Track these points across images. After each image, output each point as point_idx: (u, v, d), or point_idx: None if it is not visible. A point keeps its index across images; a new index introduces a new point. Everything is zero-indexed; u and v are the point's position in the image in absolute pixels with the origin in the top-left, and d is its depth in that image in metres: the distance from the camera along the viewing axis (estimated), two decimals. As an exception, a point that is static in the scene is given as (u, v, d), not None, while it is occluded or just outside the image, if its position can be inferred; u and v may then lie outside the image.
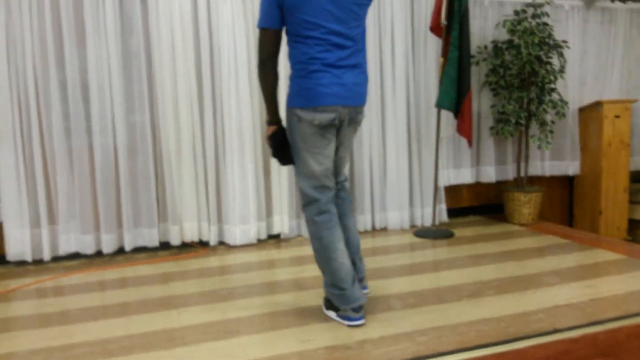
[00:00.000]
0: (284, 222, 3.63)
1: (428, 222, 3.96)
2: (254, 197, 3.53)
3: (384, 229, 3.92)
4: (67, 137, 3.22)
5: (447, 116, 3.93)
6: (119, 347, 2.10)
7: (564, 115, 4.05)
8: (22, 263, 3.23)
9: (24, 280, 2.97)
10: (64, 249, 3.26)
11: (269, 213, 3.66)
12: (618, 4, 4.47)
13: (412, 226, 3.98)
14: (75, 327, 2.32)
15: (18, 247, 3.16)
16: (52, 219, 3.25)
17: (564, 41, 3.97)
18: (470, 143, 3.90)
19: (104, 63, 3.24)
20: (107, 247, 3.32)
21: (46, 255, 3.23)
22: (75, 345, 2.13)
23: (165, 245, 3.48)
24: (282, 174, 3.60)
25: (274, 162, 3.59)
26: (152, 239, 3.41)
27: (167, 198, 3.42)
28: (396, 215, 3.90)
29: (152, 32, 3.31)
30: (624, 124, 4.23)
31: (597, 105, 4.24)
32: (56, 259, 3.29)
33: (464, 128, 3.80)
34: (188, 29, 3.35)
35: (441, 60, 3.73)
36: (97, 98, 3.24)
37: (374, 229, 3.92)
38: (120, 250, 3.39)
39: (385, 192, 3.89)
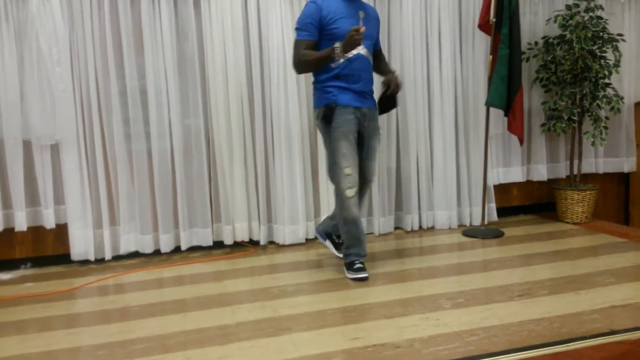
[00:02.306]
0: (331, 222, 3.68)
1: (477, 222, 3.92)
2: (302, 198, 3.60)
3: (431, 229, 3.92)
4: (127, 141, 3.39)
5: (496, 114, 3.88)
6: (175, 342, 2.19)
7: (618, 110, 3.92)
8: (85, 262, 3.41)
9: (87, 278, 3.13)
10: (124, 248, 3.43)
11: (316, 213, 3.72)
12: (677, -6, 4.28)
13: (461, 225, 3.95)
14: (135, 323, 2.43)
15: (82, 247, 3.34)
16: (113, 220, 3.43)
17: (620, 34, 3.84)
18: (521, 141, 3.84)
19: (161, 69, 3.38)
20: (165, 247, 3.47)
21: (107, 255, 3.40)
22: (135, 341, 2.22)
23: (218, 245, 3.60)
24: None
25: (322, 165, 3.65)
26: (206, 238, 3.54)
27: (220, 199, 3.54)
28: (444, 214, 3.88)
29: (206, 38, 3.43)
30: (682, 119, 4.06)
31: (655, 99, 4.08)
32: (117, 257, 3.46)
33: (516, 126, 3.74)
34: (239, 35, 3.46)
35: (490, 57, 3.68)
36: (155, 103, 3.38)
37: (420, 228, 3.92)
38: (177, 250, 3.53)
39: (432, 190, 3.88)
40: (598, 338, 2.05)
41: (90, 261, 3.40)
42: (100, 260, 3.43)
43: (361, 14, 2.85)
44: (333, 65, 2.78)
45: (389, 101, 2.97)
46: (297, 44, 2.82)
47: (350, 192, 2.77)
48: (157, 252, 3.50)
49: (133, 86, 3.36)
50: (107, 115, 3.34)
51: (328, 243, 3.21)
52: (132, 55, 3.35)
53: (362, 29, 2.59)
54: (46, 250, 3.41)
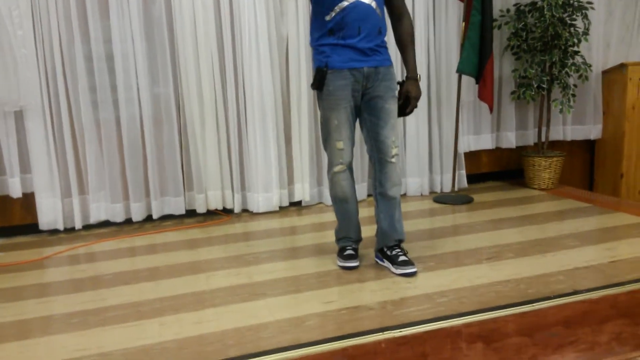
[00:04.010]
0: (305, 189, 3.69)
1: (448, 188, 3.99)
2: (276, 165, 3.59)
3: (403, 196, 3.96)
4: (94, 108, 3.30)
5: (468, 82, 3.91)
6: (150, 309, 2.19)
7: (587, 78, 3.99)
8: (54, 232, 3.35)
9: (57, 247, 3.09)
10: (94, 217, 3.37)
11: (290, 181, 3.72)
12: (646, -37, 4.33)
13: (432, 192, 4.01)
14: (108, 291, 2.42)
15: (50, 216, 3.28)
16: (82, 189, 3.36)
17: (589, 2, 3.87)
18: (491, 109, 3.88)
19: (127, 33, 3.28)
20: (136, 215, 3.43)
21: (77, 224, 3.35)
22: (109, 308, 2.22)
23: (191, 213, 3.58)
24: (303, 143, 3.64)
25: (295, 132, 3.63)
26: (178, 207, 3.51)
27: (192, 167, 3.50)
28: (416, 182, 3.93)
29: (174, 2, 3.32)
30: (648, 87, 4.15)
31: (622, 67, 4.16)
32: (87, 227, 3.41)
33: (486, 93, 3.78)
34: (208, -3, 3.36)
35: (463, 24, 3.68)
36: (122, 69, 3.29)
37: (393, 195, 3.96)
38: (149, 218, 3.50)
39: (404, 158, 3.91)
40: (562, 298, 2.14)
41: (59, 230, 3.34)
42: (70, 230, 3.37)
43: None
44: (327, 18, 2.35)
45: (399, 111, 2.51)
46: None
47: (339, 167, 2.46)
48: (128, 221, 3.46)
49: (99, 51, 3.25)
50: (73, 81, 3.23)
51: (386, 263, 2.56)
52: (97, 19, 3.23)
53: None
54: (13, 220, 3.34)
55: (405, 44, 2.51)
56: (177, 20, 3.35)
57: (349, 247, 2.63)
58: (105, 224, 3.43)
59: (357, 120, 2.51)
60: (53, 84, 3.21)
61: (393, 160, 2.44)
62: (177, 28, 3.36)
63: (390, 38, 2.57)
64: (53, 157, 3.25)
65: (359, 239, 2.67)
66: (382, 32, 2.43)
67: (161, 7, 3.32)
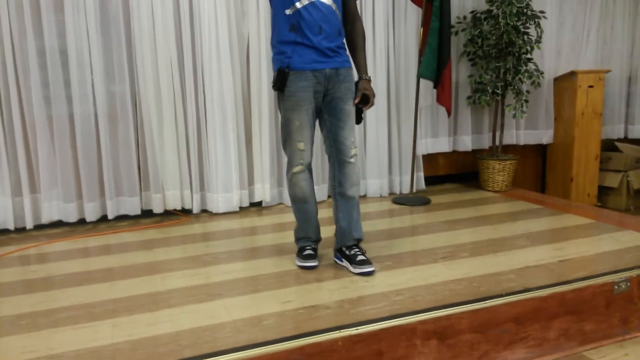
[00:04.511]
0: (265, 190, 3.69)
1: (406, 190, 4.06)
2: (236, 165, 3.56)
3: (363, 197, 4.01)
4: (46, 105, 3.20)
5: (426, 86, 3.99)
6: (103, 310, 2.15)
7: (539, 85, 4.14)
8: (4, 231, 3.23)
9: (6, 248, 2.98)
10: (46, 217, 3.27)
11: (250, 181, 3.71)
12: (596, -26, 4.52)
13: (391, 194, 4.07)
14: (60, 292, 2.36)
15: (0, 215, 3.16)
16: (33, 188, 3.25)
17: (542, 11, 4.02)
18: (449, 112, 3.97)
19: (82, 28, 3.20)
20: (90, 216, 3.35)
21: (29, 224, 3.24)
22: (60, 310, 2.16)
23: (148, 214, 3.51)
24: (263, 143, 3.63)
25: (256, 131, 3.61)
26: (134, 207, 3.44)
27: (149, 166, 3.44)
28: (375, 183, 3.98)
29: (131, -2, 3.27)
30: (597, 94, 4.34)
31: (572, 75, 4.33)
32: (39, 227, 3.30)
33: (444, 98, 3.86)
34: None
35: (421, 30, 3.76)
36: (76, 64, 3.21)
37: (353, 196, 3.99)
38: (104, 219, 3.42)
39: (365, 160, 3.95)
40: (513, 295, 2.20)
41: (9, 230, 3.23)
42: (20, 230, 3.26)
43: None
44: (287, 12, 2.33)
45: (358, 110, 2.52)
46: None
47: (298, 168, 2.46)
48: (82, 221, 3.37)
49: (52, 46, 3.16)
50: (24, 75, 3.13)
51: (344, 262, 2.57)
52: (51, 13, 3.14)
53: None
54: (-40, 219, 3.21)
55: (358, 46, 2.54)
56: (134, 17, 3.29)
57: (308, 247, 2.63)
58: (58, 224, 3.33)
59: (317, 121, 2.53)
60: (3, 78, 3.10)
61: (352, 160, 2.46)
62: (134, 24, 3.30)
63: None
64: (3, 154, 3.13)
65: (318, 239, 2.68)
66: (341, 33, 2.46)
67: (118, 2, 3.26)
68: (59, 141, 3.24)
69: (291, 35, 2.35)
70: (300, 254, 2.63)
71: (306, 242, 2.65)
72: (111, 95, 3.33)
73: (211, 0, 3.37)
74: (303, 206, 2.56)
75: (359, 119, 2.52)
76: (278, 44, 2.41)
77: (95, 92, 3.27)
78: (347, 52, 2.52)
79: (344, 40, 2.50)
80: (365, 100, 2.48)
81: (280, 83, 2.38)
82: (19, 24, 3.08)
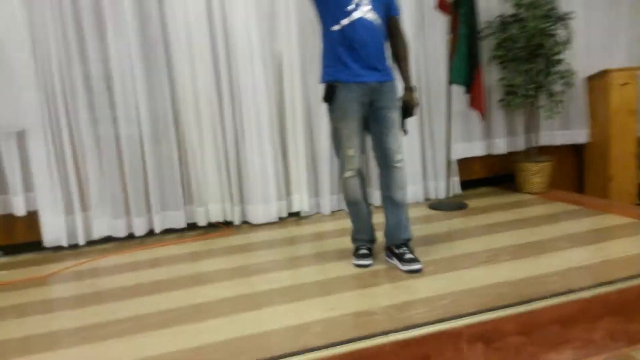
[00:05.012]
0: (303, 200, 3.77)
1: (442, 195, 4.08)
2: (274, 177, 3.66)
3: (400, 203, 4.03)
4: (94, 126, 3.36)
5: (457, 91, 4.00)
6: (152, 322, 2.23)
7: (571, 85, 4.10)
8: (58, 248, 3.38)
9: (61, 264, 3.12)
10: (97, 233, 3.43)
11: (288, 192, 3.79)
12: (623, -28, 4.48)
13: (427, 199, 4.10)
14: (111, 305, 2.46)
15: (54, 233, 3.32)
16: (84, 206, 3.41)
17: (570, 12, 4.00)
18: (483, 116, 3.98)
19: (125, 53, 3.34)
20: (138, 230, 3.49)
21: (81, 240, 3.39)
22: (111, 323, 2.26)
23: (192, 227, 3.63)
24: (299, 155, 3.72)
25: (291, 142, 3.70)
26: (179, 220, 3.57)
27: (191, 181, 3.57)
28: (410, 189, 3.98)
29: (169, 20, 3.40)
30: (631, 92, 4.27)
31: (604, 73, 4.28)
32: (90, 243, 3.45)
33: (477, 102, 3.88)
34: (202, 15, 3.43)
35: (448, 37, 3.80)
36: (120, 87, 3.36)
37: (389, 203, 4.03)
38: (151, 233, 3.55)
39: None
40: (557, 297, 2.21)
41: (63, 247, 3.37)
42: (73, 246, 3.40)
43: None
44: (332, 28, 2.51)
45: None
46: None
47: (349, 173, 2.62)
48: (130, 236, 3.51)
49: (97, 71, 3.32)
50: (72, 101, 3.30)
51: (394, 260, 2.72)
52: (95, 39, 3.30)
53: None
54: (18, 238, 3.37)
55: (402, 58, 2.72)
56: (172, 39, 3.43)
57: (362, 247, 2.81)
58: (108, 239, 3.48)
59: (365, 129, 2.68)
60: (53, 104, 3.27)
61: (398, 165, 2.63)
62: (173, 46, 3.44)
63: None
64: (55, 175, 3.30)
65: (372, 239, 2.85)
66: (385, 47, 2.63)
67: (157, 27, 3.40)
68: (106, 160, 3.39)
69: (338, 50, 2.53)
70: (355, 253, 2.81)
71: (361, 242, 2.83)
72: (154, 115, 3.48)
73: (244, 21, 3.48)
74: (355, 208, 2.74)
75: (402, 127, 2.69)
76: (326, 58, 2.61)
77: (139, 112, 3.41)
78: (391, 64, 2.68)
79: (387, 54, 2.65)
80: (408, 111, 2.66)
81: (328, 95, 2.57)
82: (65, 51, 3.25)
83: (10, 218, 3.31)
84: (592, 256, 2.67)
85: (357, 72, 2.52)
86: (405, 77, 2.72)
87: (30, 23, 3.16)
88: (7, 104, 3.13)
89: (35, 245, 3.35)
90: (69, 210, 3.36)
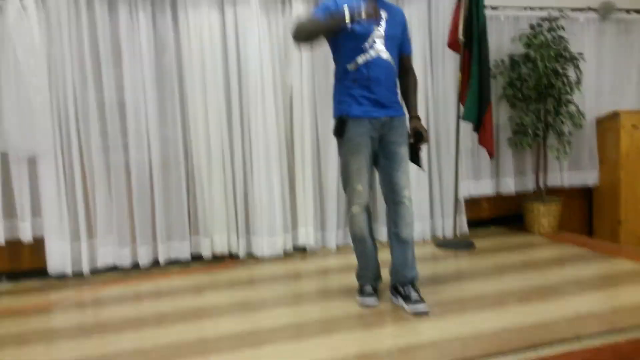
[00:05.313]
0: (309, 234, 3.75)
1: (449, 233, 4.04)
2: (280, 209, 3.65)
3: (406, 240, 4.00)
4: (105, 153, 3.39)
5: (466, 129, 4.02)
6: (156, 355, 2.21)
7: (580, 126, 4.11)
8: (62, 276, 3.36)
9: (64, 292, 3.11)
10: (102, 261, 3.42)
11: (294, 225, 3.78)
12: (634, 15, 4.53)
13: (434, 237, 4.06)
14: (112, 337, 2.44)
15: (59, 260, 3.32)
16: (90, 233, 3.41)
17: (580, 53, 4.04)
18: (492, 154, 3.98)
19: (139, 81, 3.41)
20: (143, 260, 3.48)
21: (85, 268, 3.39)
22: (113, 355, 2.24)
23: (197, 257, 3.61)
24: (307, 188, 3.72)
25: (299, 176, 3.71)
26: (184, 251, 3.56)
27: (198, 212, 3.57)
28: (417, 226, 3.97)
29: (184, 52, 3.48)
30: (642, 134, 4.27)
31: (615, 115, 4.29)
32: (94, 271, 3.43)
33: (486, 139, 3.88)
34: (217, 47, 3.51)
35: (459, 75, 3.83)
36: (133, 115, 3.41)
37: (395, 239, 4.00)
38: (155, 263, 3.53)
39: (406, 203, 3.97)
40: (565, 344, 2.16)
41: (67, 275, 3.36)
42: (77, 274, 3.39)
43: (383, 14, 2.58)
44: (349, 66, 2.56)
45: (412, 156, 2.71)
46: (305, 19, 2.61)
47: (356, 209, 2.61)
48: (135, 266, 3.49)
49: (111, 98, 3.37)
50: (85, 128, 3.34)
51: (399, 300, 2.66)
52: (110, 67, 3.37)
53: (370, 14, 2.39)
54: (23, 265, 3.37)
55: (410, 90, 2.80)
56: (186, 69, 3.49)
57: (367, 285, 2.76)
58: (112, 268, 3.46)
59: (374, 165, 2.69)
60: (66, 130, 3.31)
61: (406, 201, 2.61)
62: (186, 76, 3.49)
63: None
64: (63, 201, 3.31)
65: (377, 278, 2.81)
66: (396, 85, 2.70)
67: (171, 57, 3.46)
68: (115, 188, 3.41)
69: (351, 86, 2.58)
70: (360, 291, 2.76)
71: (366, 280, 2.77)
72: (165, 144, 3.51)
73: (257, 53, 3.54)
74: (361, 244, 2.71)
75: (417, 160, 2.72)
76: (338, 94, 2.65)
77: (150, 141, 3.45)
78: (401, 99, 2.73)
79: (398, 90, 2.70)
80: (419, 137, 2.66)
81: (339, 129, 2.59)
82: (81, 78, 3.31)
83: (16, 244, 3.32)
84: (601, 302, 2.63)
85: (368, 107, 2.56)
86: (412, 107, 2.77)
87: (48, 50, 3.23)
88: (21, 129, 3.18)
89: (39, 272, 3.34)
90: (75, 237, 3.36)
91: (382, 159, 2.64)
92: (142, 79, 3.41)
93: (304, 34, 2.54)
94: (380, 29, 2.56)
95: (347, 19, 2.42)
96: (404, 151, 2.64)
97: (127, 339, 2.40)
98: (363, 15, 2.41)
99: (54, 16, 3.23)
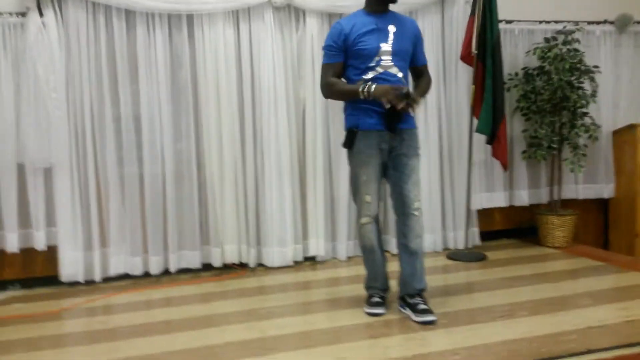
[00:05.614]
0: (319, 244, 3.75)
1: (461, 245, 4.01)
2: (291, 220, 3.67)
3: (418, 252, 3.98)
4: (119, 165, 3.45)
5: (479, 141, 4.00)
6: (165, 361, 2.23)
7: (596, 138, 4.07)
8: (74, 284, 3.41)
9: (76, 299, 3.15)
10: (114, 270, 3.46)
11: (305, 236, 3.79)
12: (651, 28, 4.49)
13: (445, 249, 4.03)
14: (123, 343, 2.47)
15: (71, 268, 3.36)
16: (103, 242, 3.46)
17: (596, 66, 4.01)
18: (506, 167, 3.95)
19: (154, 96, 3.47)
20: (154, 269, 3.51)
21: (97, 276, 3.43)
22: (123, 360, 2.26)
23: (207, 267, 3.64)
24: (318, 199, 3.74)
25: (310, 187, 3.73)
26: (195, 260, 3.58)
27: (209, 222, 3.60)
28: (428, 238, 3.94)
29: (199, 67, 3.54)
30: (658, 147, 4.20)
31: (631, 128, 4.23)
32: (106, 279, 3.47)
33: (501, 152, 3.86)
34: (231, 63, 3.56)
35: (472, 87, 3.83)
36: (148, 129, 3.47)
37: (407, 251, 3.98)
38: (166, 272, 3.56)
39: (418, 215, 3.96)
40: (575, 357, 2.13)
41: (79, 282, 3.41)
42: (89, 282, 3.43)
43: (391, 28, 2.61)
44: (357, 83, 2.60)
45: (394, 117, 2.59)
46: (323, 68, 2.69)
47: (365, 220, 2.65)
48: (146, 274, 3.53)
49: (127, 113, 3.44)
50: (101, 140, 3.41)
51: (407, 310, 2.66)
52: (127, 83, 3.44)
53: (400, 91, 2.46)
54: (36, 272, 3.43)
55: (422, 84, 2.81)
56: (201, 84, 3.55)
57: (375, 295, 2.77)
58: (124, 276, 3.50)
59: (384, 177, 2.69)
60: (82, 143, 3.38)
61: (415, 213, 2.61)
62: (201, 91, 3.55)
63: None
64: (78, 212, 3.37)
65: (386, 288, 2.81)
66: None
67: (187, 72, 3.53)
68: (128, 198, 3.47)
69: (361, 102, 2.58)
70: (368, 301, 2.76)
71: (374, 290, 2.78)
72: (178, 156, 3.56)
73: (271, 66, 3.59)
74: (370, 255, 2.73)
75: (392, 127, 2.58)
76: (349, 107, 2.68)
77: (164, 153, 3.50)
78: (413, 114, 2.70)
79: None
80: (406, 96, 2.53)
81: (349, 141, 2.62)
82: (98, 93, 3.39)
83: (30, 252, 3.37)
84: (614, 315, 2.57)
85: (378, 120, 2.58)
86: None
87: (67, 65, 3.32)
88: (39, 140, 3.25)
89: (52, 279, 3.39)
90: (87, 246, 3.41)
91: (392, 170, 2.65)
92: (158, 94, 3.47)
93: (330, 97, 2.76)
94: (388, 45, 2.58)
95: (366, 96, 2.52)
96: (414, 163, 2.64)
97: (135, 346, 2.43)
98: (385, 104, 2.48)
99: (73, 33, 3.31)
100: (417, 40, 2.74)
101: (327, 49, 2.67)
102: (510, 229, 4.38)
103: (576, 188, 4.38)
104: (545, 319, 2.55)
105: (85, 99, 3.36)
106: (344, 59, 2.64)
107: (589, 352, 2.17)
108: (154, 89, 3.47)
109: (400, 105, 2.45)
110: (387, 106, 2.49)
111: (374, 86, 2.49)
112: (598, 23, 4.34)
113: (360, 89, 2.52)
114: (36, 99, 3.24)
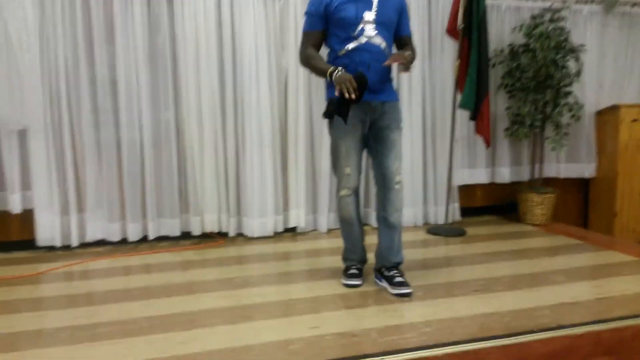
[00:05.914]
0: (300, 216, 3.75)
1: (441, 220, 4.03)
2: (272, 191, 3.65)
3: (398, 226, 4.00)
4: (96, 130, 3.38)
5: (463, 117, 3.99)
6: (139, 327, 2.23)
7: (579, 118, 4.07)
8: (51, 248, 3.38)
9: (52, 264, 3.12)
10: (91, 235, 3.42)
11: (285, 207, 3.77)
12: (638, 9, 4.46)
13: (426, 223, 4.05)
14: (99, 308, 2.46)
15: (48, 233, 3.32)
16: (80, 207, 3.41)
17: (581, 45, 3.99)
18: (488, 143, 3.95)
19: (132, 60, 3.38)
20: (132, 236, 3.48)
21: (74, 241, 3.39)
22: (98, 325, 2.26)
23: (186, 235, 3.62)
24: (299, 170, 3.71)
25: (292, 158, 3.70)
26: (174, 228, 3.56)
27: (189, 190, 3.57)
28: (410, 212, 3.97)
29: (178, 31, 3.44)
30: (641, 128, 4.23)
31: (614, 108, 4.25)
32: (84, 245, 3.44)
33: (483, 128, 3.86)
34: (212, 28, 3.47)
35: (457, 62, 3.79)
36: (125, 93, 3.39)
37: (387, 225, 4.00)
38: (144, 239, 3.54)
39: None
40: (545, 332, 2.16)
41: (56, 247, 3.37)
42: (66, 247, 3.40)
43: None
44: (339, 53, 2.54)
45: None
46: (303, 36, 2.64)
47: (344, 192, 2.63)
48: (124, 241, 3.50)
49: (103, 76, 3.35)
50: (77, 104, 3.32)
51: (384, 283, 2.67)
52: (103, 45, 3.34)
53: (361, 81, 2.37)
54: (11, 236, 3.38)
55: (410, 50, 2.67)
56: (180, 49, 3.46)
57: (353, 267, 2.78)
58: (101, 242, 3.47)
59: (365, 149, 2.67)
60: (57, 105, 3.30)
61: (396, 186, 2.60)
62: (180, 57, 3.47)
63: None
64: (54, 175, 3.31)
65: (363, 260, 2.84)
66: (389, 70, 2.64)
67: (165, 36, 3.44)
68: (106, 164, 3.41)
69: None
70: (345, 272, 2.77)
71: (351, 262, 2.80)
72: (156, 122, 3.49)
73: (252, 34, 3.51)
74: (349, 227, 2.74)
75: (344, 112, 2.45)
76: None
77: (142, 119, 3.43)
78: (393, 87, 2.69)
79: (392, 75, 2.67)
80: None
81: (330, 112, 2.52)
82: (73, 54, 3.29)
83: (5, 215, 3.32)
84: (588, 292, 2.61)
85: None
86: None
87: (40, 25, 3.21)
88: (11, 102, 3.16)
89: (28, 243, 3.36)
90: (64, 210, 3.37)
91: (373, 143, 2.63)
92: (135, 58, 3.38)
93: (306, 68, 2.68)
94: (371, 15, 2.52)
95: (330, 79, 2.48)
96: (396, 136, 2.61)
97: (112, 311, 2.42)
98: (348, 94, 2.36)
99: (47, -9, 3.20)
100: (402, 10, 2.68)
101: (308, 15, 2.61)
102: (490, 206, 4.42)
103: (557, 167, 4.42)
104: (519, 294, 2.58)
105: (60, 61, 3.26)
106: (324, 27, 2.59)
107: (559, 327, 2.19)
108: (131, 53, 3.37)
109: (353, 96, 2.37)
110: (337, 94, 2.41)
111: (340, 73, 2.41)
112: (585, 2, 4.32)
113: (329, 72, 2.46)
114: (8, 60, 3.13)
